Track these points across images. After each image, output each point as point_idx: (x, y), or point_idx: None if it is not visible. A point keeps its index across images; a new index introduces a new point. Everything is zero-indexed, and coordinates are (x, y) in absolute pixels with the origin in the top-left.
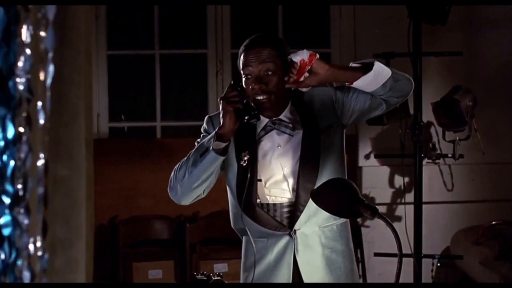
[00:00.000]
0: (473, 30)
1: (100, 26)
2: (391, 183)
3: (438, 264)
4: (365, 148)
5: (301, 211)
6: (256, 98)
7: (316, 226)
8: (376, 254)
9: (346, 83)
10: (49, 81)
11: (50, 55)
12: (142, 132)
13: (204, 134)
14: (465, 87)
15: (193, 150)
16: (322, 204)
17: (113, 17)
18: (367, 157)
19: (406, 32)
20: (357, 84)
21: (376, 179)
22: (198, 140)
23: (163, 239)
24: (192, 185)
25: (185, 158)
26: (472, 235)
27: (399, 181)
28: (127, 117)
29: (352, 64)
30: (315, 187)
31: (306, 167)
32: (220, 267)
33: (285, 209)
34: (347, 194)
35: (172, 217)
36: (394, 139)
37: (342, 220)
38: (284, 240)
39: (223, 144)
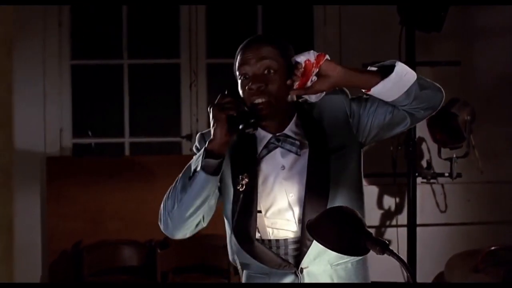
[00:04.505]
0: (469, 39)
1: (64, 33)
2: (379, 204)
3: None
4: None
5: (308, 246)
6: (254, 101)
7: (327, 264)
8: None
9: (363, 90)
10: None
11: None
12: (109, 149)
13: (197, 153)
14: (462, 100)
15: (181, 173)
16: (321, 238)
17: (77, 23)
18: None
19: (397, 40)
20: (375, 90)
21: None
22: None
23: (132, 266)
24: (185, 214)
25: (173, 184)
26: (471, 261)
27: (388, 201)
28: (92, 133)
29: (369, 68)
30: None
31: (313, 195)
32: None
33: (292, 246)
34: (351, 226)
35: (141, 242)
36: (383, 156)
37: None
38: (288, 279)
39: (215, 161)
